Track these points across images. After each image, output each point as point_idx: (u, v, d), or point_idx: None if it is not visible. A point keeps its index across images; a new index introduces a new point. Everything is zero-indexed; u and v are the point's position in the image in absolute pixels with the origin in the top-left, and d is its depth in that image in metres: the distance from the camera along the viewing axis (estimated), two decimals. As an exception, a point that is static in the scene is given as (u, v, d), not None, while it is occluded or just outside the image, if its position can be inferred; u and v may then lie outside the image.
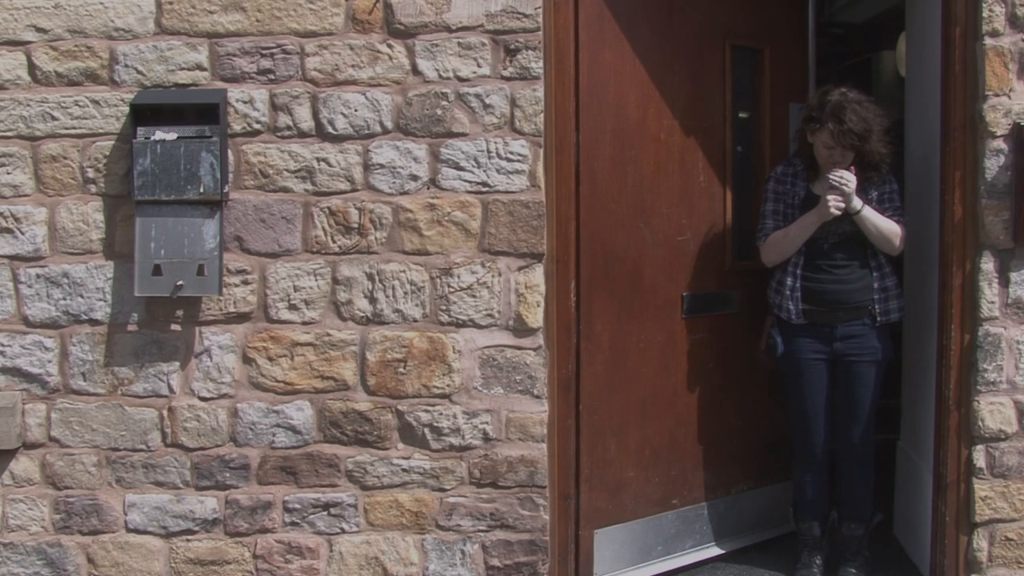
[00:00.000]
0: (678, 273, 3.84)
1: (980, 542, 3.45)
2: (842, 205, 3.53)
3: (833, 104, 3.52)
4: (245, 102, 3.42)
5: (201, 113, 3.37)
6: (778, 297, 3.72)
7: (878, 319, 3.63)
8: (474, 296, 3.44)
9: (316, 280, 3.46)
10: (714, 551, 4.00)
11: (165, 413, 3.48)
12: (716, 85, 3.91)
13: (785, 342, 3.73)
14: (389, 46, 3.41)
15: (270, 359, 3.47)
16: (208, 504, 3.51)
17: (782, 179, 3.75)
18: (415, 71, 3.41)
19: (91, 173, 3.44)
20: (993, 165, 3.37)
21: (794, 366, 3.75)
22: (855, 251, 3.63)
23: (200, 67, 3.42)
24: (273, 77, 3.42)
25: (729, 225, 3.95)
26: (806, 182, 3.70)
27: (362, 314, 3.46)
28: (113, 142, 3.43)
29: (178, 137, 3.36)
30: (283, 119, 3.43)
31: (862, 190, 3.56)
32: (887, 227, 3.58)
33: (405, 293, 3.45)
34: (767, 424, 4.04)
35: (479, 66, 3.39)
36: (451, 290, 3.44)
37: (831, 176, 3.53)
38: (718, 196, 3.93)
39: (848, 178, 3.51)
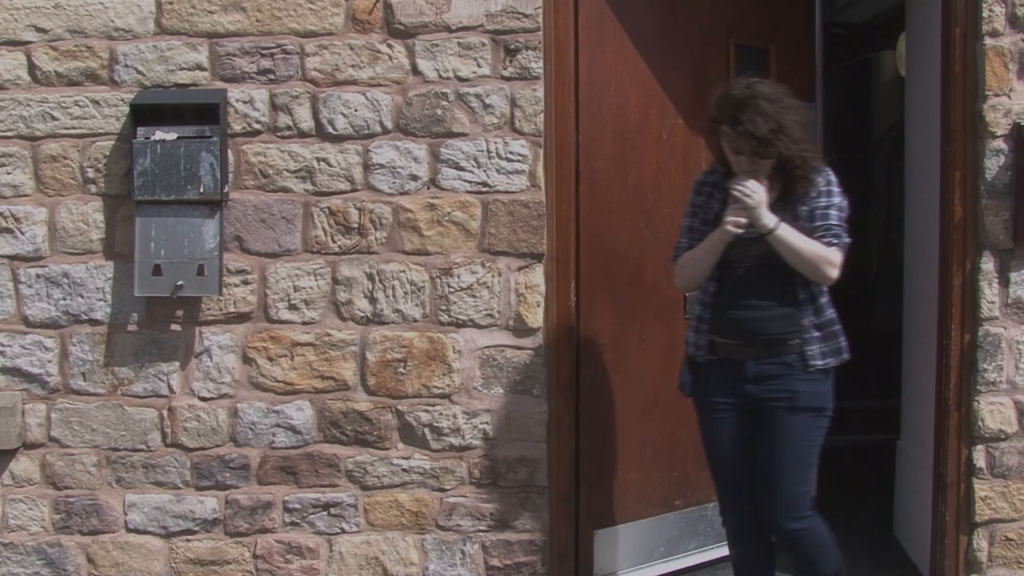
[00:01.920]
0: (679, 273, 3.83)
1: (980, 542, 3.45)
2: (742, 222, 2.93)
3: (733, 101, 2.92)
4: (245, 102, 3.42)
5: (201, 113, 3.37)
6: (688, 328, 3.15)
7: (809, 363, 2.96)
8: (474, 296, 3.44)
9: (316, 280, 3.46)
10: (718, 552, 3.98)
11: (165, 413, 3.48)
12: (720, 84, 3.88)
13: (694, 381, 3.13)
14: (389, 46, 3.41)
15: (270, 359, 3.47)
16: (208, 504, 3.51)
17: (700, 190, 3.15)
18: (415, 71, 3.41)
19: (91, 173, 3.44)
20: (993, 165, 3.36)
21: (702, 413, 3.15)
22: (777, 278, 2.97)
23: (200, 67, 3.42)
24: (273, 77, 3.42)
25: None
26: (724, 193, 3.04)
27: (362, 314, 3.46)
28: (113, 142, 3.43)
29: (178, 137, 3.36)
30: (283, 119, 3.43)
31: (788, 205, 2.98)
32: (811, 251, 2.90)
33: (405, 293, 3.45)
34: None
35: (479, 66, 3.39)
36: (451, 290, 3.44)
37: (732, 187, 2.94)
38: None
39: (752, 189, 2.90)
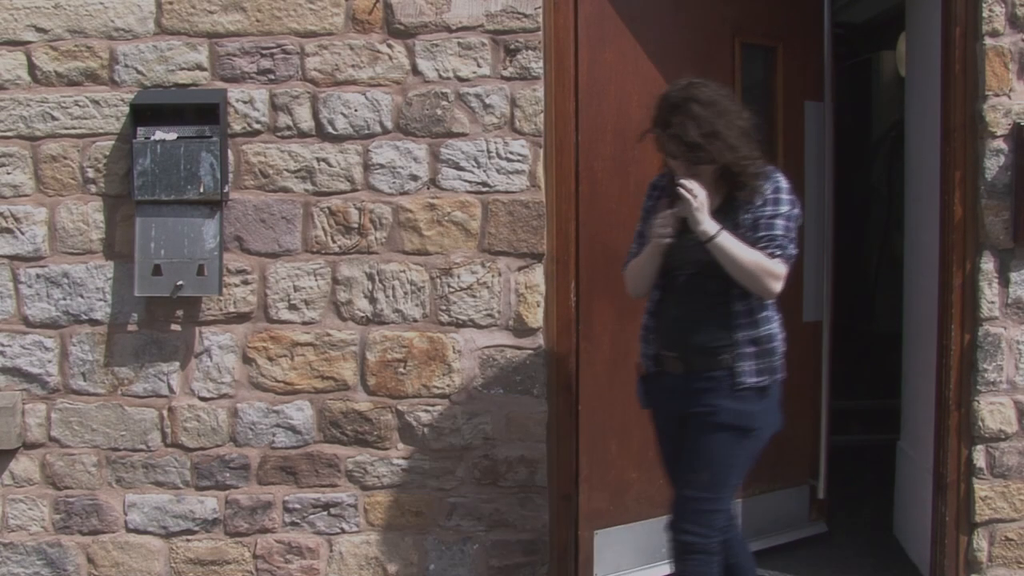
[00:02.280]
0: (681, 273, 3.82)
1: (980, 542, 3.45)
2: (666, 232, 2.84)
3: (667, 103, 2.82)
4: (245, 102, 3.42)
5: (201, 113, 3.38)
6: (640, 340, 3.06)
7: (738, 379, 2.81)
8: (474, 296, 3.44)
9: (316, 280, 3.46)
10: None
11: (165, 413, 3.48)
12: (725, 84, 3.85)
13: (646, 393, 3.05)
14: (389, 46, 3.41)
15: (270, 359, 3.47)
16: (208, 504, 3.51)
17: (650, 193, 3.05)
18: (415, 71, 3.41)
19: (91, 173, 3.44)
20: (993, 165, 3.36)
21: (654, 428, 3.08)
22: (714, 288, 2.83)
23: (200, 67, 3.42)
24: (273, 77, 3.42)
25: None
26: (669, 197, 2.94)
27: (362, 314, 3.46)
28: (113, 142, 3.43)
29: (178, 137, 3.36)
30: (283, 119, 3.43)
31: (730, 212, 2.84)
32: (750, 261, 2.75)
33: (405, 293, 3.45)
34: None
35: (479, 66, 3.39)
36: (451, 290, 3.44)
37: (678, 184, 2.79)
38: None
39: (698, 190, 2.76)
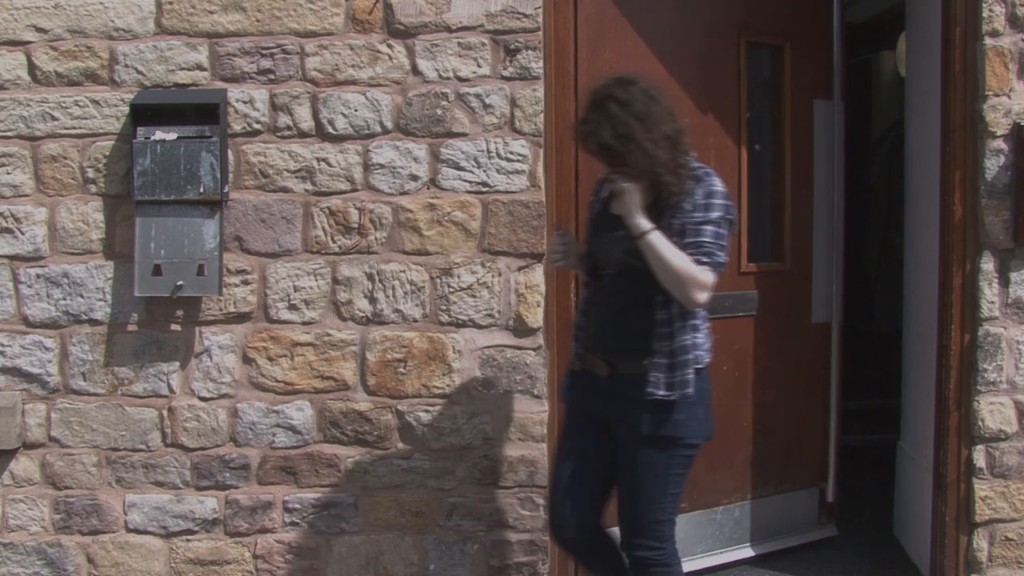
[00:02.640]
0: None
1: (980, 542, 3.45)
2: (556, 253, 2.92)
3: (592, 98, 2.71)
4: (245, 102, 3.42)
5: (201, 113, 3.37)
6: (572, 338, 3.03)
7: (647, 389, 2.71)
8: (474, 296, 3.44)
9: (316, 280, 3.46)
10: (727, 557, 3.95)
11: (165, 413, 3.48)
12: (730, 83, 3.85)
13: (569, 388, 2.98)
14: (389, 46, 3.41)
15: (270, 359, 3.47)
16: (208, 504, 3.51)
17: (597, 189, 3.00)
18: (415, 71, 3.41)
19: (91, 173, 3.44)
20: (993, 165, 3.37)
21: (564, 426, 3.03)
22: (636, 292, 2.75)
23: (200, 67, 3.42)
24: (273, 77, 3.42)
25: (743, 225, 3.89)
26: (608, 194, 2.89)
27: (362, 314, 3.46)
28: (113, 142, 3.44)
29: (178, 137, 3.36)
30: (283, 119, 3.43)
31: (654, 216, 2.71)
32: (679, 266, 2.63)
33: (405, 293, 3.45)
34: (788, 428, 3.98)
35: (479, 66, 3.39)
36: (451, 290, 3.44)
37: (613, 176, 2.72)
38: (731, 196, 3.88)
39: (632, 183, 2.67)
